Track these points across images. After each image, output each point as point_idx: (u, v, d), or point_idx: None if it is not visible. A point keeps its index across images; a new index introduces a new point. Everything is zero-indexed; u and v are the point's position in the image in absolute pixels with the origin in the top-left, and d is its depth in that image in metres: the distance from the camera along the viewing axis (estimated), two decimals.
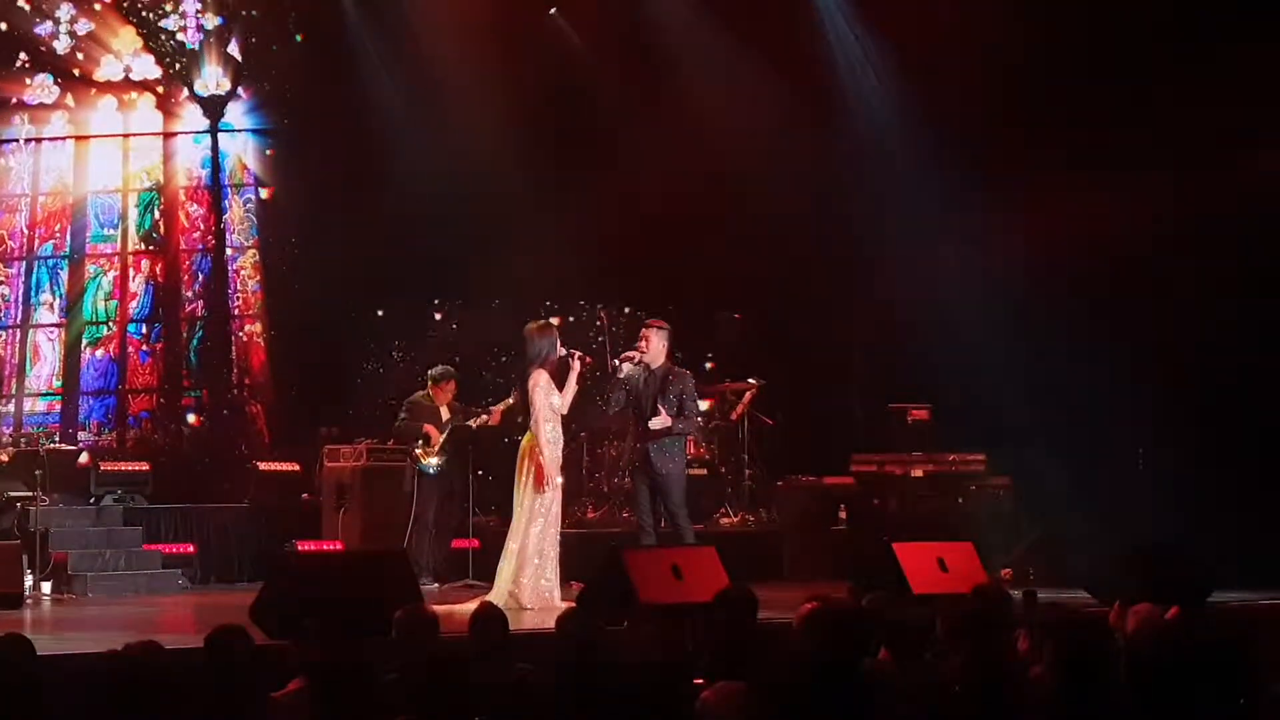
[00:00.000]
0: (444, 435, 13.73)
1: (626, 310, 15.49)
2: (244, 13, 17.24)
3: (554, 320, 12.71)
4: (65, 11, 17.24)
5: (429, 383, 14.12)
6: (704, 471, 15.04)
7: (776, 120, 16.08)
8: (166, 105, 17.63)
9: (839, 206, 15.95)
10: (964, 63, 14.63)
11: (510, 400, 12.63)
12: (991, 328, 14.58)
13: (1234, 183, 13.88)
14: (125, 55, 17.45)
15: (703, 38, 16.12)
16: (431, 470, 13.68)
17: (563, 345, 11.51)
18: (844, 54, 16.43)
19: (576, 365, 11.44)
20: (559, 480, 11.40)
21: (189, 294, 17.61)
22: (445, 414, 13.87)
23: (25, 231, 17.78)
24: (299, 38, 17.28)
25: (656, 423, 11.59)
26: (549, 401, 11.30)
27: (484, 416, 13.61)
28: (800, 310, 16.25)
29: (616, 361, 12.06)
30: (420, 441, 13.71)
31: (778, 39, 16.13)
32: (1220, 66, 13.88)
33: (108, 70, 17.49)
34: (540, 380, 11.30)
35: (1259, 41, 13.59)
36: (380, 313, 16.60)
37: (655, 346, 11.80)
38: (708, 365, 15.74)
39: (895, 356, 15.19)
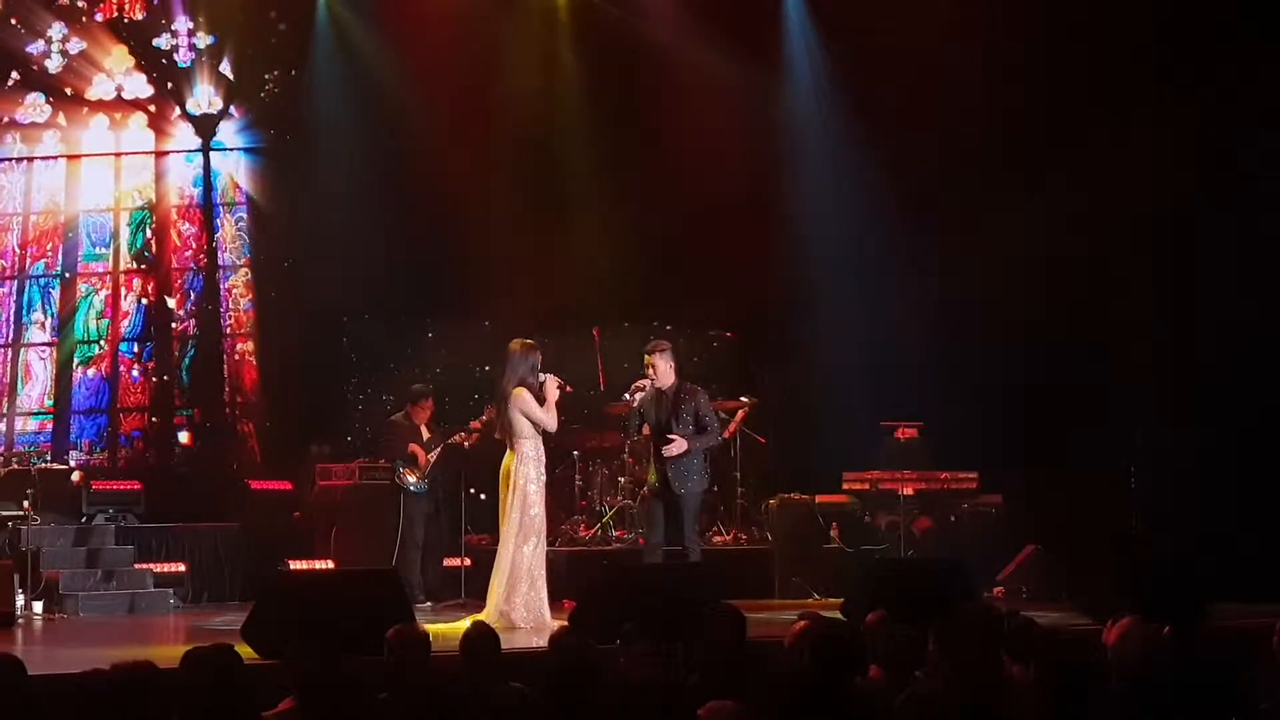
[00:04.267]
0: (433, 455, 13.68)
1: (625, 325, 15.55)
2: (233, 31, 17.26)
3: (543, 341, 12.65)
4: (57, 30, 17.24)
5: (407, 403, 14.05)
6: None
7: (762, 143, 16.14)
8: (158, 124, 17.61)
9: (828, 226, 15.97)
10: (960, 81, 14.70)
11: (485, 416, 12.54)
12: (983, 345, 14.60)
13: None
14: (117, 74, 17.43)
15: (692, 62, 16.14)
16: (413, 488, 13.64)
17: (541, 370, 11.43)
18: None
19: (555, 392, 11.37)
20: (542, 496, 11.39)
21: (181, 313, 17.57)
22: (425, 433, 13.82)
23: (17, 250, 17.74)
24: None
25: (672, 449, 11.64)
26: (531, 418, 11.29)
27: (463, 434, 13.59)
28: (792, 328, 16.25)
29: (627, 395, 12.08)
30: (406, 462, 13.67)
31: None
32: (1177, 93, 13.98)
33: (99, 89, 17.47)
34: (522, 398, 11.27)
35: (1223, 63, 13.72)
36: (371, 332, 16.57)
37: (662, 369, 11.84)
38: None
39: (887, 374, 15.17)
